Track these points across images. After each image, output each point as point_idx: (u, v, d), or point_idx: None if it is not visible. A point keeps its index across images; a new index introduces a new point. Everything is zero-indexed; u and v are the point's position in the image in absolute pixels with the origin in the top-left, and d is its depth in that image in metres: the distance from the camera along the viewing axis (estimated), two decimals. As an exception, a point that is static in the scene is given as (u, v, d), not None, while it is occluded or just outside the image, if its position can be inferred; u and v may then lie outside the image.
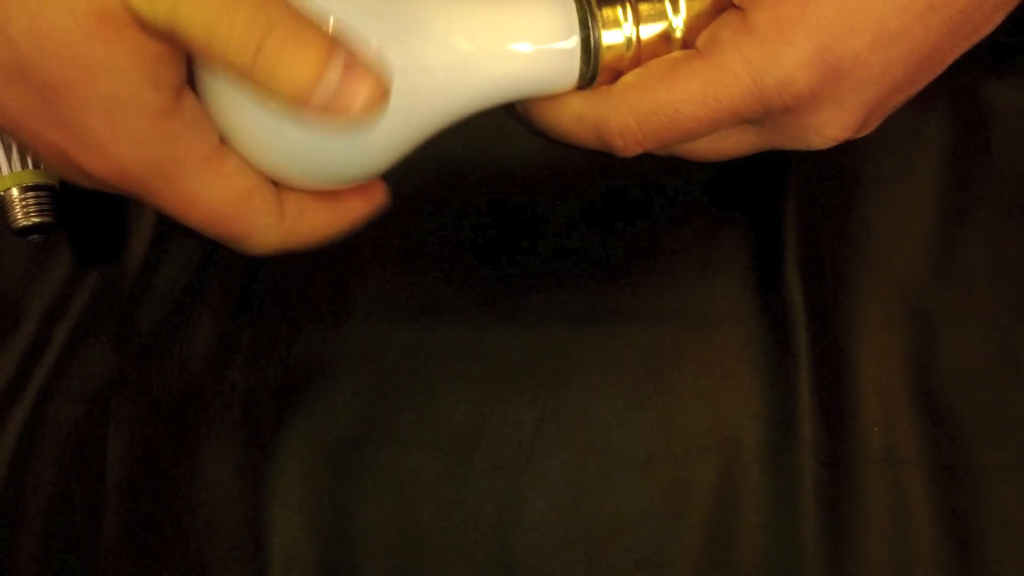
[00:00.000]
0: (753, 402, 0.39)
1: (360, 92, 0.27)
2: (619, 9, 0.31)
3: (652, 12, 0.32)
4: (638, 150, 0.32)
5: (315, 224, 0.33)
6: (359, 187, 0.33)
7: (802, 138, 0.32)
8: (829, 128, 0.31)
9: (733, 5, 0.31)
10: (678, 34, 0.32)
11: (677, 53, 0.32)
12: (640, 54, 0.32)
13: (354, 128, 0.29)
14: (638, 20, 0.31)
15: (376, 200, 0.34)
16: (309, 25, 0.27)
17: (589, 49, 0.31)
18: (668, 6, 0.32)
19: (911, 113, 0.37)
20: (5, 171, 0.41)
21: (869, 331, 0.39)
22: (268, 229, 0.31)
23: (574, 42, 0.31)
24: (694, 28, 0.32)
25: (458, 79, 0.31)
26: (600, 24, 0.31)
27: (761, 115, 0.30)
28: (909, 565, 0.38)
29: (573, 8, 0.31)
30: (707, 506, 0.38)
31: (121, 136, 0.28)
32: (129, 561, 0.39)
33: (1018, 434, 0.39)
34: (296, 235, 0.32)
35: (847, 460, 0.38)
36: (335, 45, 0.27)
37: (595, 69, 0.32)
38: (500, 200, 0.41)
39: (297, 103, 0.27)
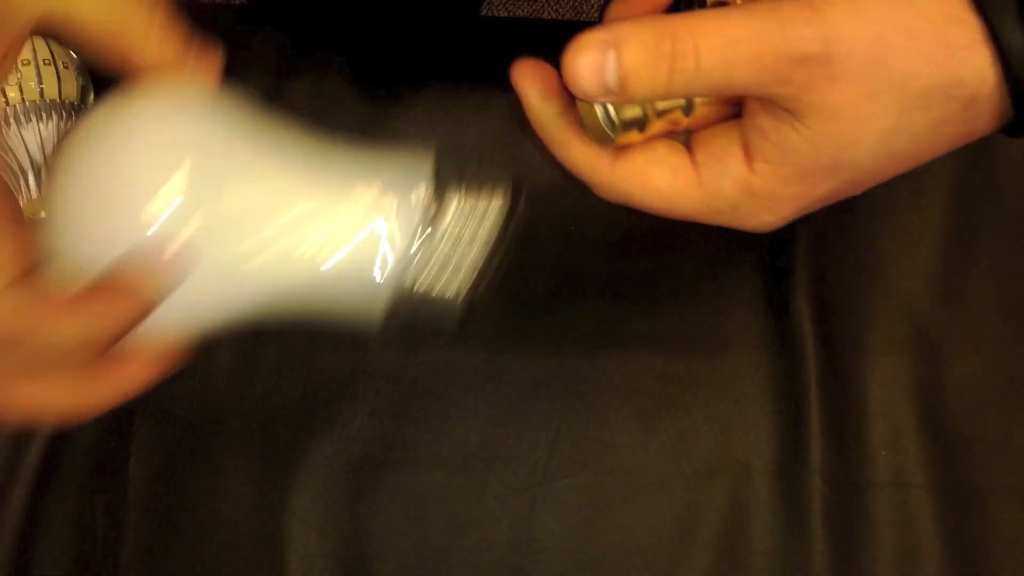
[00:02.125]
0: (764, 426, 0.40)
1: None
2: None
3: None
4: None
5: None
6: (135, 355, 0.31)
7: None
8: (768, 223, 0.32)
9: (735, 137, 0.31)
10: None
11: (680, 168, 0.32)
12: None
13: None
14: None
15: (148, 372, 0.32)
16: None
17: None
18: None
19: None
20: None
21: (877, 357, 0.40)
22: None
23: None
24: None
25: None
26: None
27: None
28: (917, 587, 0.38)
29: None
30: (718, 527, 0.39)
31: None
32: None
33: (1022, 458, 0.39)
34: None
35: (855, 483, 0.39)
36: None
37: None
38: (514, 225, 0.42)
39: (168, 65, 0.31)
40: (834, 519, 0.38)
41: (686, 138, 0.32)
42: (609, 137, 0.31)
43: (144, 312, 0.30)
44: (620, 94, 0.28)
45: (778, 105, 0.28)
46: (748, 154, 0.30)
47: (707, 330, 0.40)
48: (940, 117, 0.28)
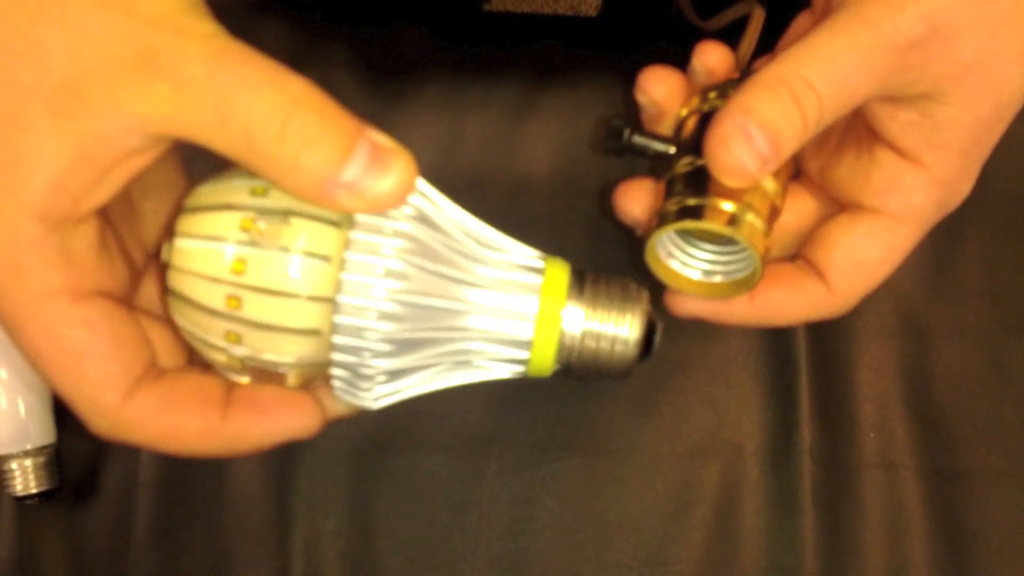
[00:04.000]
0: (755, 408, 0.41)
1: (386, 181, 0.25)
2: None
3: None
4: None
5: (165, 425, 0.27)
6: (290, 397, 0.29)
7: None
8: None
9: (890, 151, 0.31)
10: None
11: (875, 229, 0.32)
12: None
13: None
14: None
15: (304, 421, 0.29)
16: (331, 103, 0.25)
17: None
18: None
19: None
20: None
21: (866, 342, 0.41)
22: (95, 402, 0.26)
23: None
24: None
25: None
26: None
27: None
28: (904, 565, 0.39)
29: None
30: (711, 507, 0.40)
31: None
32: (158, 555, 0.40)
33: (1009, 441, 0.40)
34: (134, 427, 0.27)
35: (844, 464, 0.40)
36: (361, 128, 0.25)
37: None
38: (514, 216, 0.43)
39: (318, 193, 0.25)
40: (823, 499, 0.39)
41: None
42: (760, 244, 0.31)
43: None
44: (776, 155, 0.28)
45: (910, 96, 0.29)
46: (913, 160, 0.31)
47: (701, 316, 0.41)
48: None
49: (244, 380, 0.30)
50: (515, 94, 0.44)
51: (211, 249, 0.28)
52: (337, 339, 0.28)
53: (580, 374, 0.32)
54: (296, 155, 0.24)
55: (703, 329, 0.41)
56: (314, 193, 0.25)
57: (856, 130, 0.33)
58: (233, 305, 0.28)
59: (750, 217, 0.30)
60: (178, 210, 0.29)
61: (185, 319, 0.29)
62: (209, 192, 0.29)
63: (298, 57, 0.45)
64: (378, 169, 0.25)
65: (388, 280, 0.28)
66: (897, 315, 0.42)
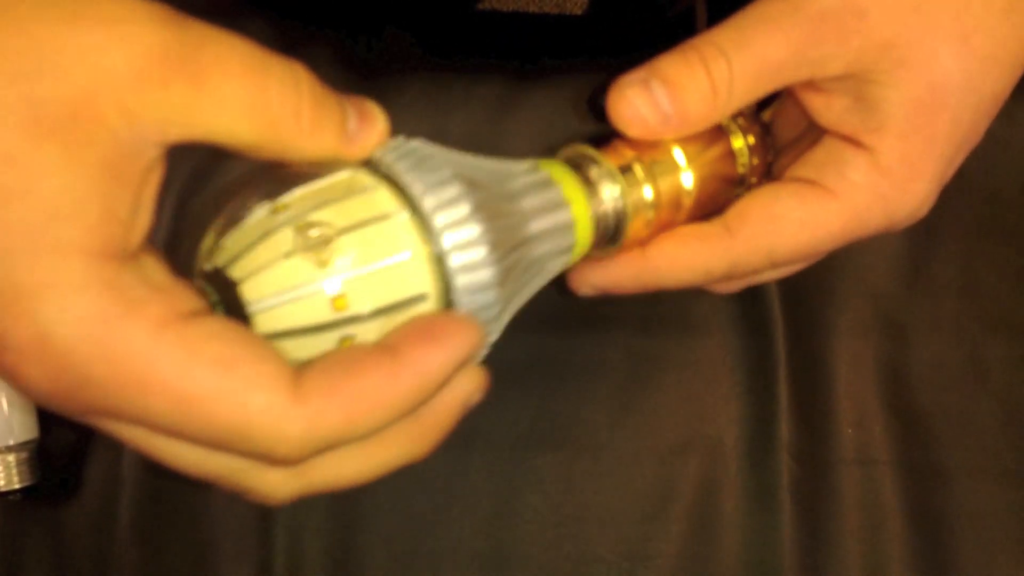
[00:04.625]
0: (734, 404, 0.41)
1: (373, 136, 0.26)
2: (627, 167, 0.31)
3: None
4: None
5: (350, 398, 0.23)
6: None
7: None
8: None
9: (835, 136, 0.31)
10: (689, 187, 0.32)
11: (802, 190, 0.31)
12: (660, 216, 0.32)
13: None
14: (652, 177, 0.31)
15: (471, 333, 0.26)
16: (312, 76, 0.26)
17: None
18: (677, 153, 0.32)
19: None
20: None
21: (844, 339, 0.41)
22: (271, 413, 0.22)
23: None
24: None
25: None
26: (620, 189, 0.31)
27: None
28: (881, 559, 0.40)
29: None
30: (690, 501, 0.40)
31: (46, 289, 0.22)
32: (141, 549, 0.40)
33: (985, 437, 0.41)
34: (323, 418, 0.23)
35: (822, 460, 0.40)
36: (344, 97, 0.26)
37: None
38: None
39: (336, 151, 0.26)
40: (801, 494, 0.40)
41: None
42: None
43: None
44: (679, 113, 0.28)
45: (837, 76, 0.29)
46: (854, 142, 0.30)
47: (680, 313, 0.42)
48: (1004, 4, 0.28)
49: None
50: (498, 92, 0.44)
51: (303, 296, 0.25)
52: (461, 283, 0.26)
53: (601, 237, 0.32)
54: (314, 124, 0.25)
55: (682, 325, 0.42)
56: (333, 150, 0.25)
57: (812, 135, 0.33)
58: (341, 306, 0.25)
59: (638, 169, 0.31)
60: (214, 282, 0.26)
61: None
62: (236, 246, 0.25)
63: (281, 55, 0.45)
64: (367, 119, 0.26)
65: (475, 213, 0.26)
66: (875, 312, 0.42)
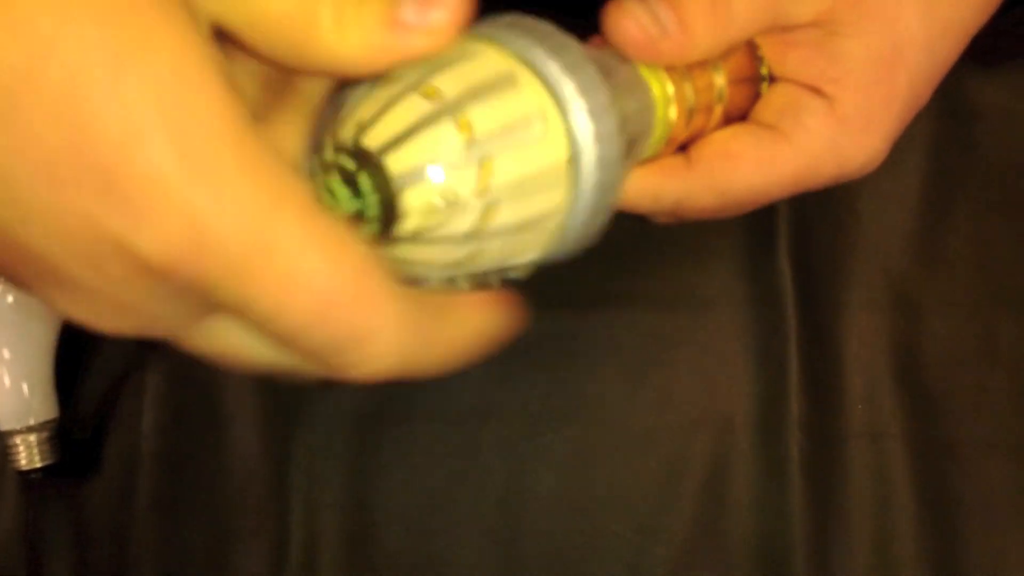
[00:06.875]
0: (745, 380, 0.41)
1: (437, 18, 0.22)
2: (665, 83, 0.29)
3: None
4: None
5: (465, 322, 0.24)
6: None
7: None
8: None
9: (796, 84, 0.31)
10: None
11: (759, 131, 0.31)
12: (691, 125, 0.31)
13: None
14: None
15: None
16: None
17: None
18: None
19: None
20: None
21: (855, 315, 0.41)
22: (396, 322, 0.21)
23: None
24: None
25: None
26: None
27: None
28: (891, 534, 0.40)
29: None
30: (701, 477, 0.40)
31: (197, 172, 0.18)
32: (160, 526, 0.41)
33: (996, 413, 0.41)
34: (430, 337, 0.23)
35: (833, 435, 0.40)
36: None
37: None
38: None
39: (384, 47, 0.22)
40: (812, 469, 0.40)
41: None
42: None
43: None
44: (684, 34, 0.28)
45: (803, 24, 0.29)
46: (815, 90, 0.30)
47: (691, 289, 0.42)
48: None
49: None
50: None
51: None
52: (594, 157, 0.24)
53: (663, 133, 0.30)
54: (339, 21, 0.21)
55: (694, 302, 0.42)
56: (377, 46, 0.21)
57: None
58: (484, 222, 0.23)
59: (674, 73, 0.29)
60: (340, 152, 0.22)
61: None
62: (370, 106, 0.22)
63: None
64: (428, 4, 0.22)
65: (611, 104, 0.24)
66: (887, 288, 0.42)
